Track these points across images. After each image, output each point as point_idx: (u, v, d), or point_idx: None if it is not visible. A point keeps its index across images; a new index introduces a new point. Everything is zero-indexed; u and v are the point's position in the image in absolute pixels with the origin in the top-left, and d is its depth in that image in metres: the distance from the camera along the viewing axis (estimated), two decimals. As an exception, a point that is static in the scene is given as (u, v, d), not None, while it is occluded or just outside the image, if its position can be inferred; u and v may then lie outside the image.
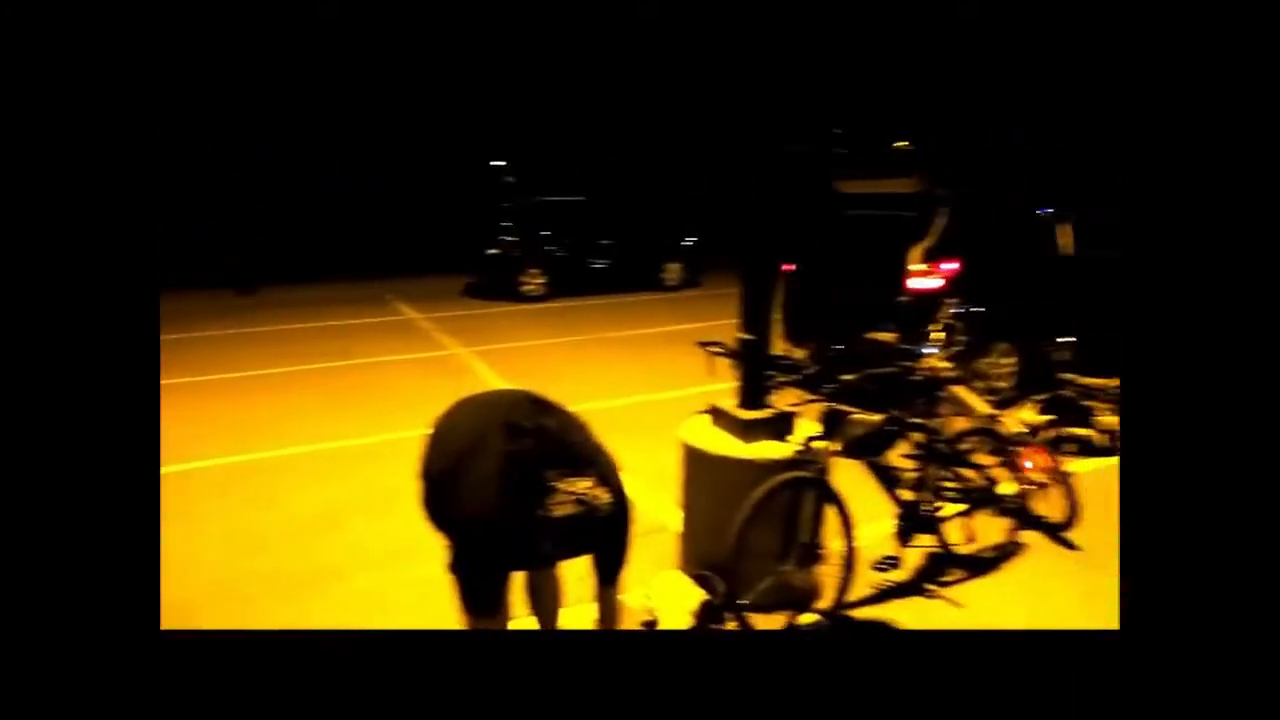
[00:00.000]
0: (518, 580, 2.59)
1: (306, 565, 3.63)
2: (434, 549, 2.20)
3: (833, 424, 2.95)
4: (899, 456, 3.30)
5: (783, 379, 3.23)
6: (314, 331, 9.45)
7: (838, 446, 2.98)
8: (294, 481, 4.66)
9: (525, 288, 11.76)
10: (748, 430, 3.09)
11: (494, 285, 11.92)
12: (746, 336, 3.15)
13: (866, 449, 3.02)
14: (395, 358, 8.03)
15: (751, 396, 3.18)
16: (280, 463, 4.99)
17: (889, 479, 3.20)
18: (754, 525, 2.76)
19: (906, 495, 3.29)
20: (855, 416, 2.94)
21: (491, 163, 16.78)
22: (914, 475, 3.30)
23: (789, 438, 3.13)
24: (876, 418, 2.97)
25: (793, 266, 6.66)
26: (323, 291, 12.56)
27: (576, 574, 2.57)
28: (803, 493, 2.92)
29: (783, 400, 3.25)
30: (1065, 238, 6.00)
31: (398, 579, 3.45)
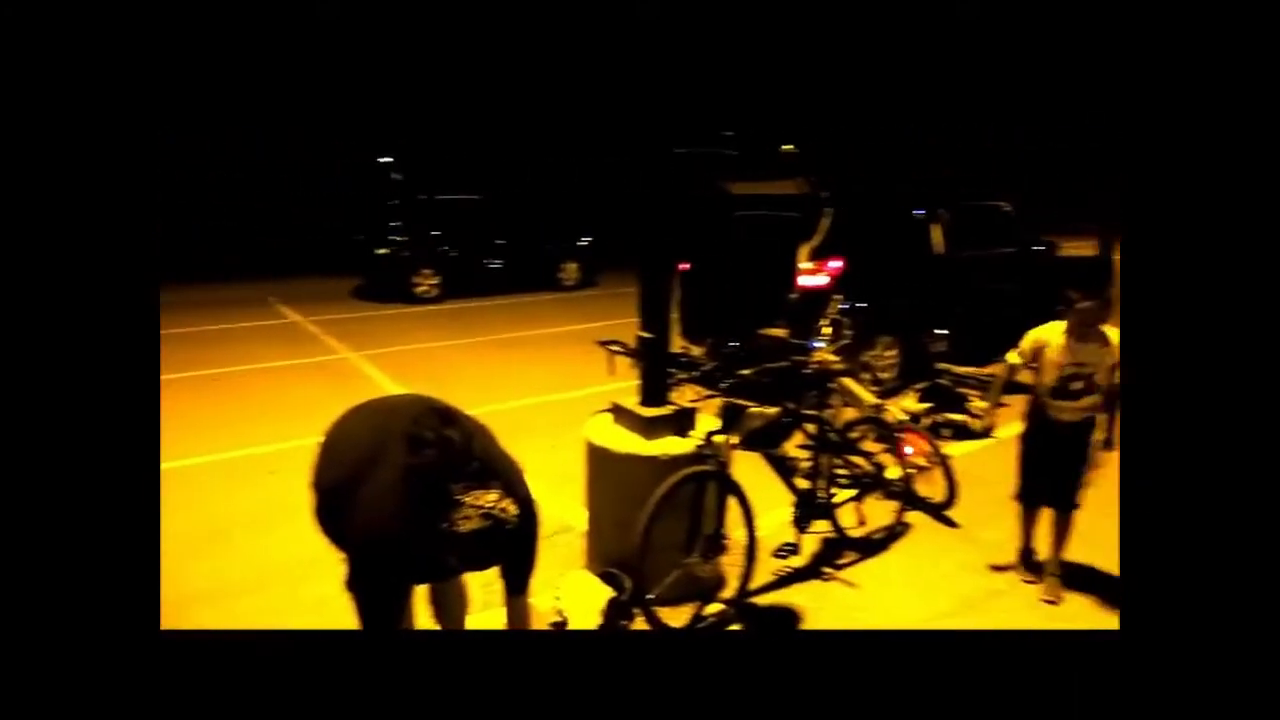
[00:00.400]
0: (420, 588, 2.51)
1: (187, 588, 3.38)
2: (328, 565, 2.10)
3: (732, 418, 3.03)
4: (794, 447, 3.43)
5: (682, 376, 3.29)
6: (186, 337, 8.81)
7: (737, 439, 3.07)
8: (168, 498, 4.32)
9: (418, 289, 11.42)
10: (650, 427, 3.13)
11: (384, 287, 11.50)
12: (646, 335, 3.19)
13: (764, 441, 3.13)
14: (279, 364, 7.61)
15: (653, 394, 3.22)
16: (151, 481, 4.62)
17: (786, 469, 3.32)
18: (659, 520, 2.80)
19: (802, 484, 3.43)
20: (753, 410, 3.03)
21: (378, 159, 16.16)
22: (809, 464, 3.44)
23: (690, 433, 3.19)
24: (773, 411, 3.08)
25: (688, 265, 6.79)
26: (194, 294, 11.72)
27: (482, 580, 2.53)
28: (705, 486, 2.99)
29: (683, 396, 3.31)
30: (937, 236, 6.41)
31: (288, 599, 3.27)
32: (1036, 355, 3.20)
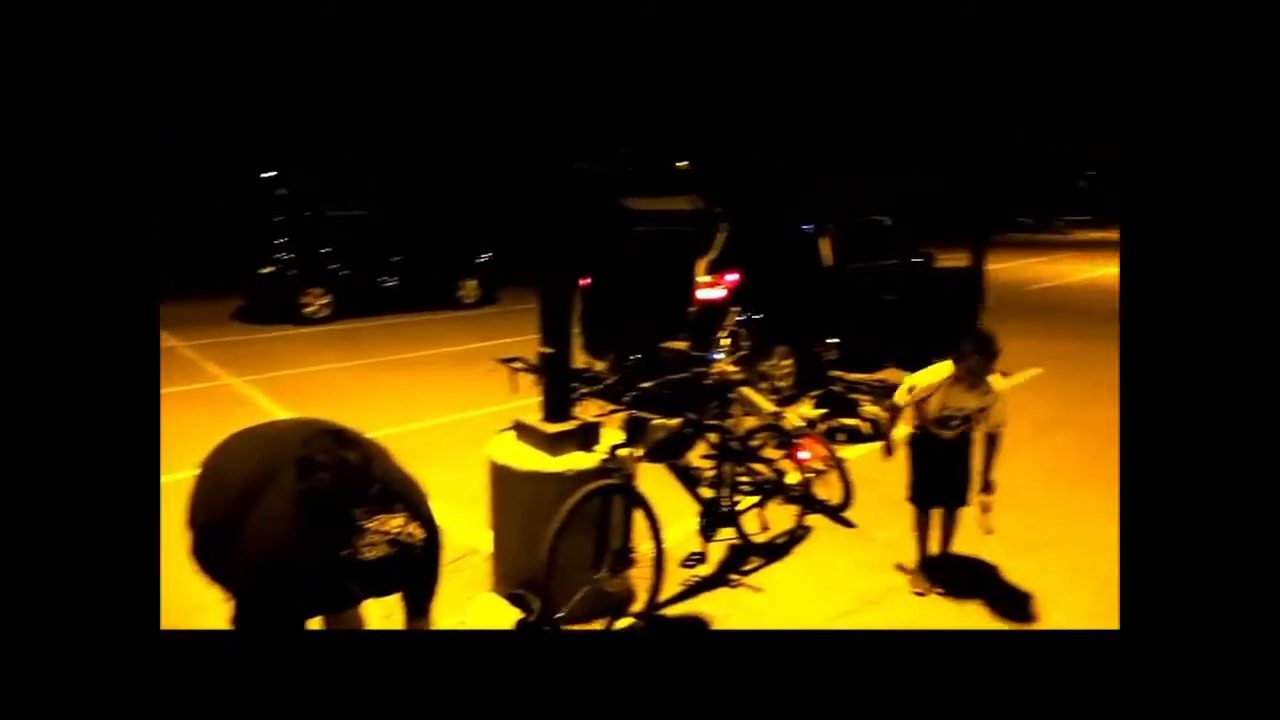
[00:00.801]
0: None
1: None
2: (208, 606, 1.96)
3: (635, 430, 3.06)
4: (698, 457, 3.49)
5: (585, 390, 3.29)
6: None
7: (641, 452, 3.09)
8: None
9: (307, 309, 10.90)
10: (554, 443, 3.11)
11: (270, 307, 10.91)
12: (547, 350, 3.17)
13: (668, 452, 3.17)
14: (151, 393, 7.06)
15: (556, 409, 3.20)
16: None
17: (690, 479, 3.37)
18: (565, 537, 2.78)
19: (707, 493, 3.49)
20: (656, 422, 3.07)
21: (262, 174, 15.38)
22: (712, 474, 3.51)
23: (595, 447, 3.19)
24: (675, 422, 3.13)
25: (588, 281, 6.81)
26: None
27: (383, 610, 2.43)
28: (611, 500, 2.99)
29: (586, 411, 3.31)
30: (826, 250, 6.72)
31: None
32: (924, 393, 3.32)
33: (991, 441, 3.32)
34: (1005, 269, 18.27)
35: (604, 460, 3.03)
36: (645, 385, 3.13)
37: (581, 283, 6.82)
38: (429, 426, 6.04)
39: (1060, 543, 3.85)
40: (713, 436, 3.53)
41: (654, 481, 3.24)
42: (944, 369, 3.25)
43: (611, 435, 3.22)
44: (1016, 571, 3.58)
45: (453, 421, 6.16)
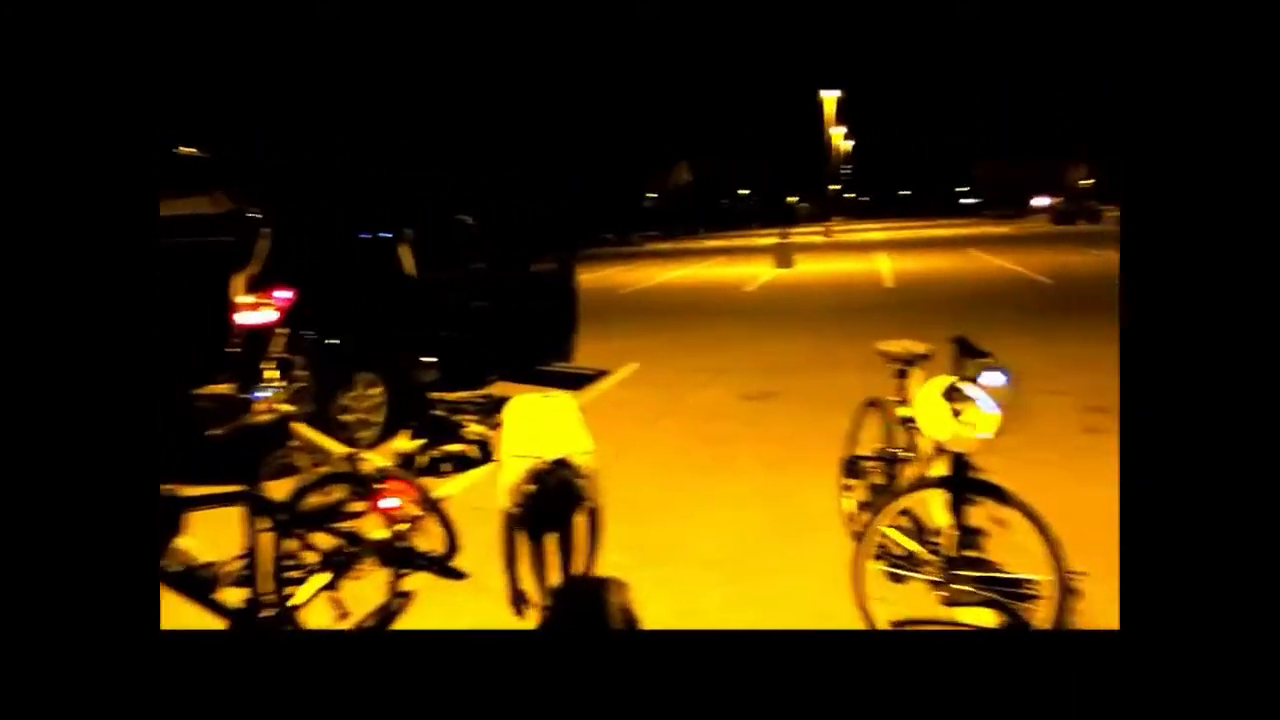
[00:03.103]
0: None
1: None
2: None
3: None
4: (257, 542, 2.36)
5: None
6: None
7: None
8: None
9: None
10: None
11: None
12: None
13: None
14: None
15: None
16: None
17: (197, 586, 2.21)
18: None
19: (236, 597, 2.37)
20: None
21: None
22: (240, 566, 2.39)
23: None
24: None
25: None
26: None
27: None
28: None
29: None
30: (407, 258, 5.87)
31: None
32: None
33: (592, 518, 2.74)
34: (595, 277, 19.56)
35: None
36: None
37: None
38: None
39: (687, 543, 3.59)
40: (235, 509, 2.42)
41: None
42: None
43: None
44: (649, 583, 3.17)
45: None
